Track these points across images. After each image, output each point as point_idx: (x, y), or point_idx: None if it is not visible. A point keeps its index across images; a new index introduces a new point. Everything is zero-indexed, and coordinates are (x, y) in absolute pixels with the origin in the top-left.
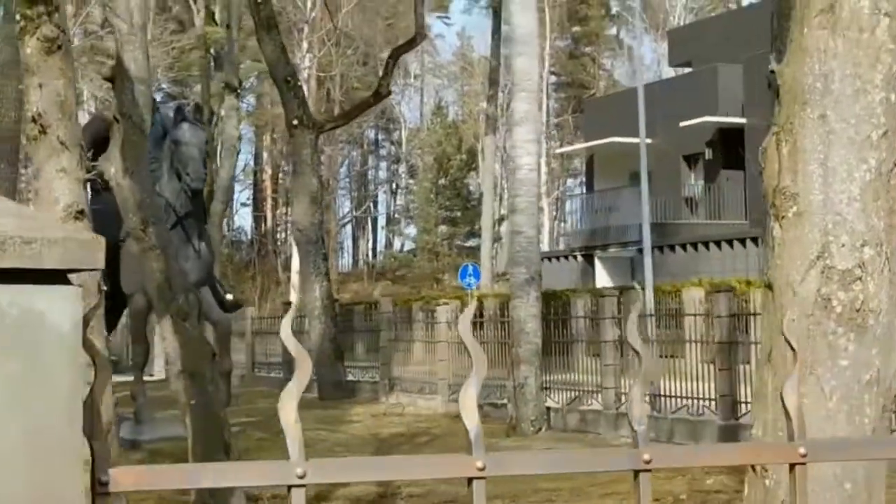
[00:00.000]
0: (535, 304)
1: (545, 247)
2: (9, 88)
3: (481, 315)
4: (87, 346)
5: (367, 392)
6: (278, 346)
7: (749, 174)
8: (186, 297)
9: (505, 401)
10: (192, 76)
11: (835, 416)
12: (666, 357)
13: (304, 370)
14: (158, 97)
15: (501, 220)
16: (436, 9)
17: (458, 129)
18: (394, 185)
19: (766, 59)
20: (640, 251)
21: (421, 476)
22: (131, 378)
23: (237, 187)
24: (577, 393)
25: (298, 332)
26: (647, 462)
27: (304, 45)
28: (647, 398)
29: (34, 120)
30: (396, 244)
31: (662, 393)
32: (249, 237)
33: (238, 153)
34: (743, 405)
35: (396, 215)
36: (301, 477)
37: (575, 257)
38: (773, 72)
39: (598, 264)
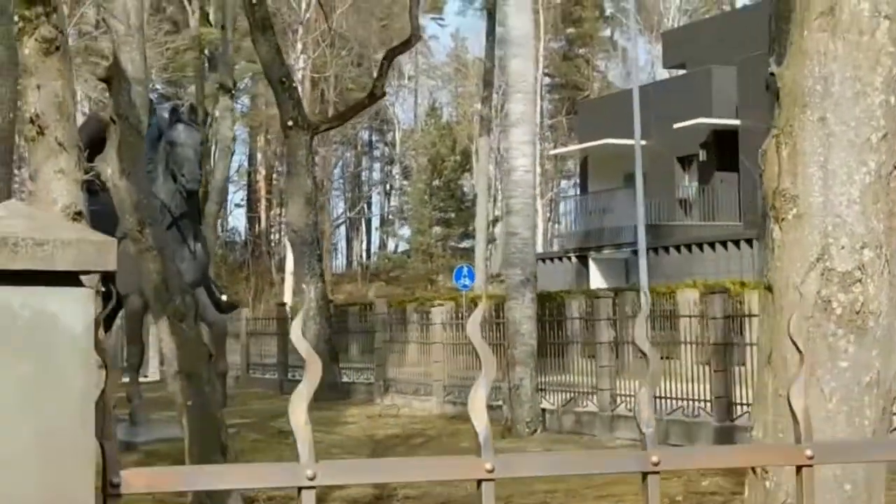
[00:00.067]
0: (530, 305)
1: (539, 248)
2: (3, 89)
3: None
4: (99, 348)
5: (362, 393)
6: (273, 348)
7: (743, 176)
8: (183, 298)
9: (500, 402)
10: (186, 77)
11: (835, 418)
12: (661, 358)
13: (313, 372)
14: (153, 98)
15: (495, 221)
16: (430, 10)
17: (452, 131)
18: (388, 187)
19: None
20: (635, 252)
21: (430, 478)
22: (126, 379)
23: (231, 188)
24: (572, 394)
25: None
26: (656, 464)
27: (299, 46)
28: None
29: (32, 121)
30: (390, 245)
31: (657, 394)
32: (243, 238)
33: (232, 154)
34: (738, 406)
35: (390, 216)
36: (311, 479)
37: (569, 259)
38: (772, 74)
39: (592, 266)
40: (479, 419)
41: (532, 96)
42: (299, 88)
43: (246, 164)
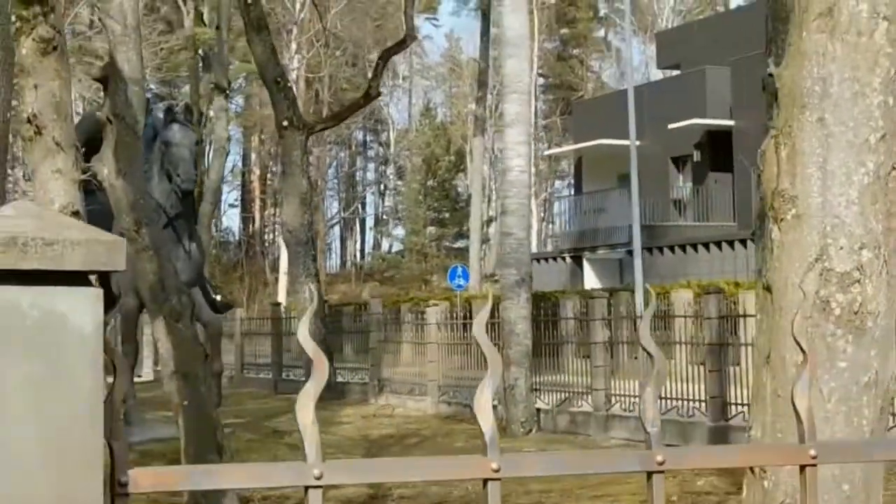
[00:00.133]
0: (525, 305)
1: (533, 248)
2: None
3: (469, 316)
4: (107, 347)
5: (357, 393)
6: (267, 348)
7: (737, 176)
8: (179, 297)
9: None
10: (180, 77)
11: (833, 418)
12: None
13: (321, 371)
14: (148, 98)
15: (490, 221)
16: (424, 10)
17: (446, 131)
18: (382, 187)
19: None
20: (629, 253)
21: (436, 477)
22: None
23: (225, 188)
24: (566, 394)
25: (287, 334)
26: (661, 463)
27: (293, 46)
28: (638, 400)
29: (30, 121)
30: (385, 245)
31: None
32: (237, 238)
33: (227, 154)
34: (733, 406)
35: (385, 216)
36: (318, 478)
37: (563, 259)
38: (770, 75)
39: (586, 266)
40: (485, 419)
41: (527, 97)
42: (293, 88)
43: (240, 164)
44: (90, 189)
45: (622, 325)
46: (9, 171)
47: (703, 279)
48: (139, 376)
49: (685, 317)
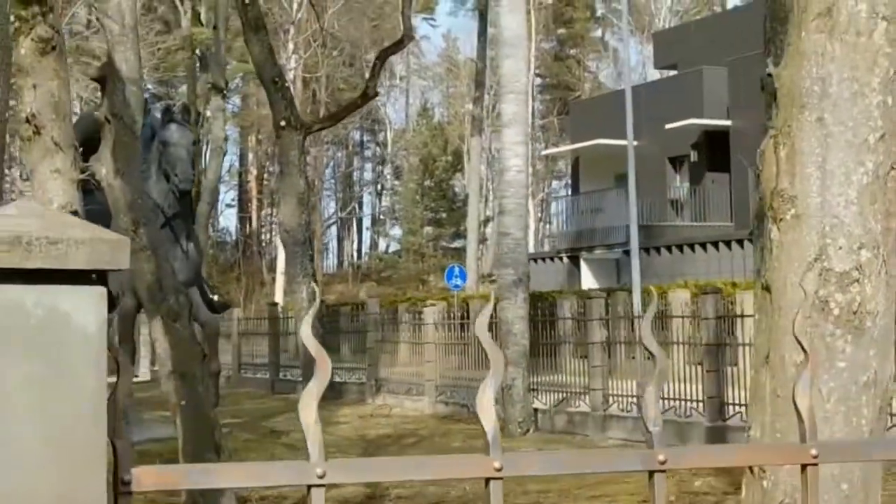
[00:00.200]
0: (522, 305)
1: (530, 248)
2: None
3: (467, 316)
4: (112, 347)
5: (354, 393)
6: (265, 348)
7: (734, 176)
8: (177, 297)
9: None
10: (177, 77)
11: (832, 418)
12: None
13: (324, 370)
14: (145, 98)
15: (487, 221)
16: (422, 10)
17: (443, 131)
18: (379, 187)
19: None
20: (626, 253)
21: (438, 476)
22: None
23: (222, 188)
24: (564, 394)
25: (284, 334)
26: (663, 462)
27: (290, 46)
28: (635, 400)
29: (28, 120)
30: (382, 245)
31: None
32: (234, 238)
33: (224, 154)
34: (730, 407)
35: (382, 216)
36: (321, 477)
37: (560, 259)
38: (769, 75)
39: (583, 266)
40: (488, 418)
41: (524, 97)
42: (291, 88)
43: (237, 164)
44: (88, 189)
45: (620, 325)
46: (6, 170)
47: (700, 279)
48: (136, 376)
49: (682, 317)
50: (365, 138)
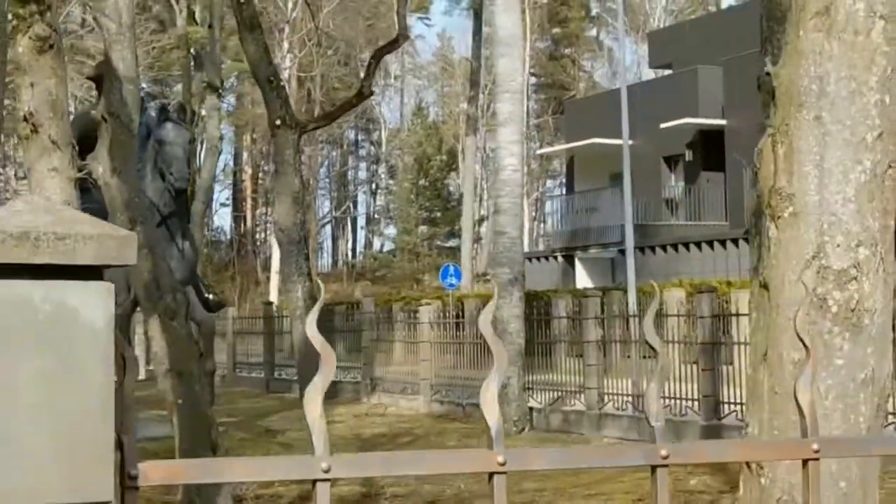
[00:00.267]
0: (517, 304)
1: (525, 247)
2: None
3: (462, 315)
4: (118, 342)
5: (349, 392)
6: (259, 347)
7: (729, 176)
8: (174, 295)
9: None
10: (171, 76)
11: (830, 415)
12: (648, 358)
13: (329, 365)
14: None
15: (482, 220)
16: (416, 10)
17: (438, 130)
18: (374, 186)
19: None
20: (621, 252)
21: (442, 471)
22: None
23: (217, 187)
24: (559, 393)
25: (279, 333)
26: (665, 457)
27: (285, 45)
28: (631, 399)
29: (26, 119)
30: (376, 244)
31: (644, 394)
32: (229, 237)
33: (220, 153)
34: (726, 405)
35: (376, 216)
36: (326, 471)
37: (555, 258)
38: (768, 73)
39: (578, 265)
40: (491, 413)
41: (520, 96)
42: (286, 87)
43: (231, 163)
44: (86, 187)
45: (615, 324)
46: (0, 169)
47: (695, 278)
48: None
49: (678, 316)
50: (360, 137)
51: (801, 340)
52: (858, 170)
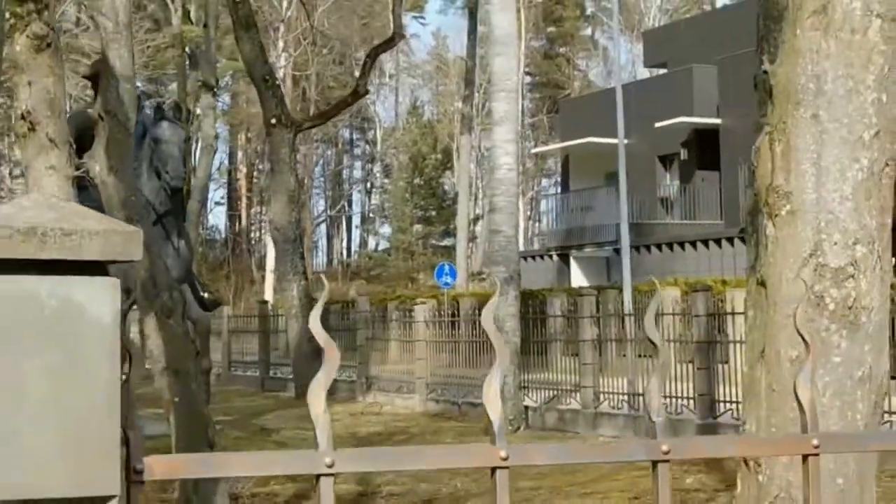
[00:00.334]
0: (513, 303)
1: (520, 246)
2: None
3: (457, 314)
4: (124, 337)
5: (345, 391)
6: (254, 345)
7: (724, 174)
8: (171, 294)
9: (482, 400)
10: (166, 74)
11: (827, 412)
12: (643, 357)
13: (332, 360)
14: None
15: (477, 219)
16: (411, 9)
17: (433, 129)
18: (368, 185)
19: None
20: (616, 251)
21: (445, 465)
22: None
23: (211, 186)
24: (555, 392)
25: (275, 332)
26: (666, 453)
27: (280, 44)
28: (626, 398)
29: (24, 117)
30: (371, 243)
31: (641, 392)
32: (223, 236)
33: (215, 152)
34: (721, 404)
35: (371, 214)
36: (330, 466)
37: (550, 257)
38: (765, 72)
39: (573, 264)
40: (494, 408)
41: (515, 95)
42: (282, 86)
43: (226, 161)
44: (83, 185)
45: (610, 322)
46: None
47: (690, 277)
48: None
49: (673, 314)
50: (354, 136)
51: (802, 336)
52: (856, 168)
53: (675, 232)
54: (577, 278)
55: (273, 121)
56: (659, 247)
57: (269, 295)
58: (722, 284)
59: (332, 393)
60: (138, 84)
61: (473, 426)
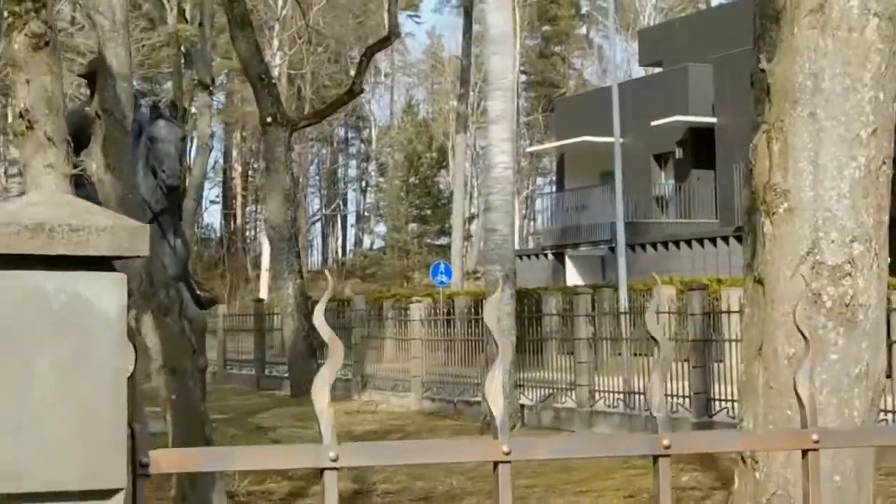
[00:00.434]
0: (509, 301)
1: (515, 245)
2: None
3: (452, 313)
4: (129, 332)
5: (340, 390)
6: (250, 344)
7: (719, 173)
8: (168, 292)
9: (479, 398)
10: (161, 73)
11: (824, 410)
12: (639, 355)
13: (337, 356)
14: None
15: (472, 218)
16: (406, 7)
17: (428, 128)
18: (364, 183)
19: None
20: (612, 250)
21: (447, 460)
22: None
23: (206, 185)
24: (550, 390)
25: (270, 330)
26: (667, 447)
27: (275, 42)
28: (621, 396)
29: (21, 115)
30: (366, 242)
31: (636, 390)
32: (219, 235)
33: (210, 151)
34: (716, 403)
35: (366, 213)
36: (334, 460)
37: (546, 256)
38: (762, 70)
39: (568, 263)
40: (496, 403)
41: (511, 93)
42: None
43: (221, 160)
44: (81, 183)
45: (605, 321)
46: None
47: (686, 276)
48: None
49: (668, 313)
50: (349, 135)
51: (801, 333)
52: (853, 166)
53: (671, 231)
54: (573, 277)
55: (268, 119)
56: (654, 245)
57: (264, 293)
58: (717, 283)
59: None
60: (133, 83)
61: (469, 424)
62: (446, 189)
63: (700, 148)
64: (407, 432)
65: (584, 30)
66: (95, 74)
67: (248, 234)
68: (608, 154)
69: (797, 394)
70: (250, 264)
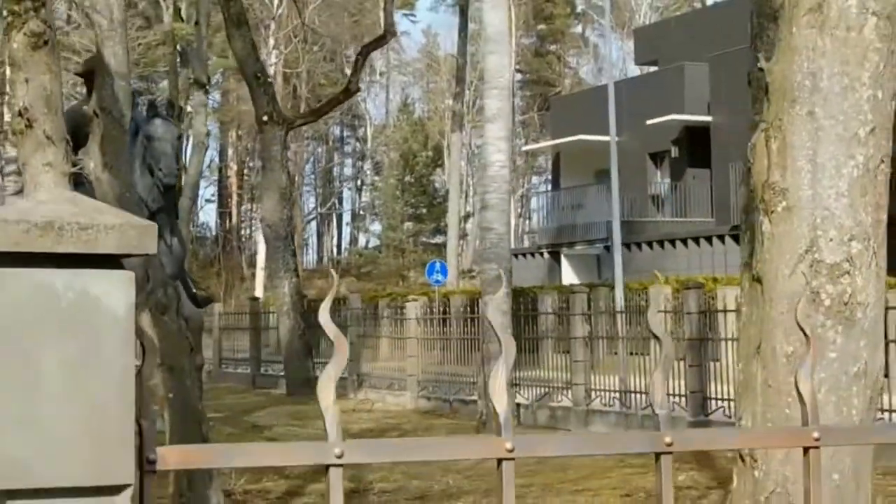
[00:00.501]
0: (505, 300)
1: (511, 244)
2: None
3: (448, 311)
4: (137, 329)
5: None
6: (245, 342)
7: (715, 172)
8: (165, 290)
9: (475, 397)
10: (157, 72)
11: (823, 408)
12: (635, 354)
13: (341, 354)
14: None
15: (467, 217)
16: (402, 6)
17: (423, 126)
18: (359, 182)
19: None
20: (607, 248)
21: (451, 457)
22: None
23: (202, 183)
24: (546, 389)
25: (266, 329)
26: (669, 445)
27: (271, 41)
28: (618, 395)
29: (20, 114)
30: (362, 241)
31: (632, 389)
32: (214, 233)
33: (206, 149)
34: (713, 401)
35: (362, 212)
36: (339, 457)
37: (541, 254)
38: (760, 69)
39: (564, 261)
40: (499, 400)
41: (507, 92)
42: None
43: (217, 159)
44: (79, 182)
45: (601, 320)
46: None
47: (681, 275)
48: None
49: (665, 312)
50: (345, 134)
51: (802, 330)
52: (851, 164)
53: (666, 229)
54: (568, 276)
55: (264, 118)
56: (650, 244)
57: (259, 292)
58: (713, 282)
59: None
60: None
61: (465, 423)
62: (442, 188)
63: (696, 147)
64: (403, 431)
65: (579, 28)
66: (93, 73)
67: (243, 232)
68: (604, 153)
69: (798, 391)
70: (246, 263)
